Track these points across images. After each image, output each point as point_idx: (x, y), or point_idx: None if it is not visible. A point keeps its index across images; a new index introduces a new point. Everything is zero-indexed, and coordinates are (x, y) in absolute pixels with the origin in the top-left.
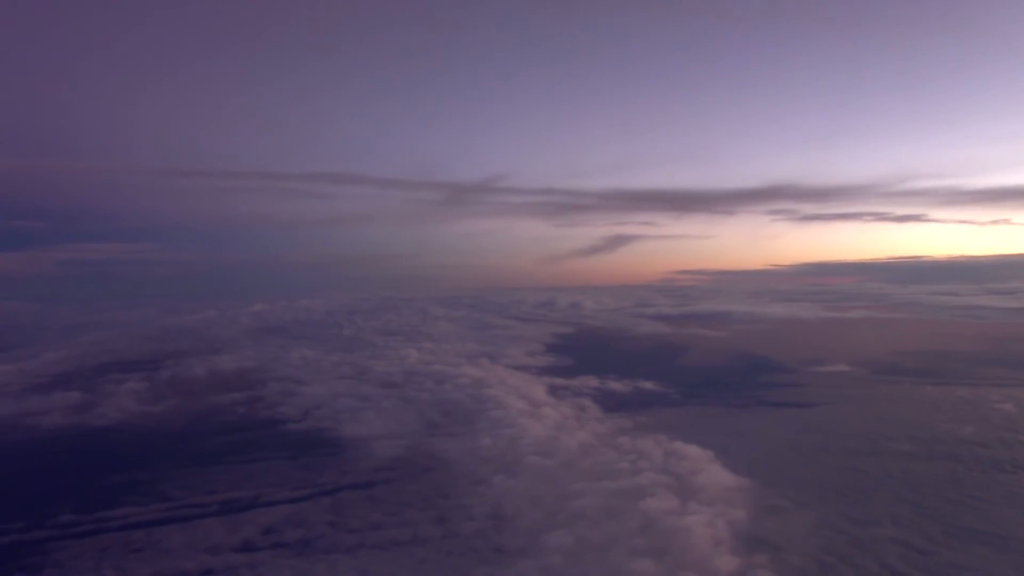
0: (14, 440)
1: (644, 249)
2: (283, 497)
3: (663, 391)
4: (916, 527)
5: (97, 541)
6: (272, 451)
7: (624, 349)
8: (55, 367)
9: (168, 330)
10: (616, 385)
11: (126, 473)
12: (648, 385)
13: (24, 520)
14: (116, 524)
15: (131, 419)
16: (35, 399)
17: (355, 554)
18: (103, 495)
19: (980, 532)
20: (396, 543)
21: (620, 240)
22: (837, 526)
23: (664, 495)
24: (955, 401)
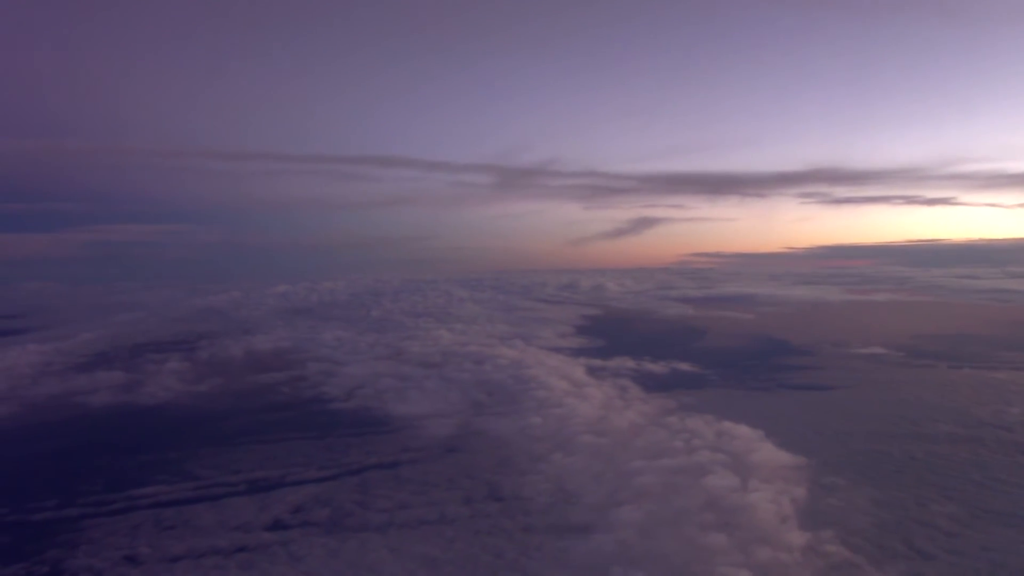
0: (66, 418)
1: (668, 232)
2: (344, 472)
3: (700, 372)
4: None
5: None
6: (323, 430)
7: (654, 331)
8: (91, 347)
9: (195, 311)
10: (652, 366)
11: (182, 450)
12: (684, 366)
13: (89, 495)
14: (179, 498)
15: (177, 398)
16: (80, 378)
17: (418, 529)
18: (168, 471)
19: (1006, 514)
20: (457, 519)
21: (645, 222)
22: (896, 504)
23: (723, 473)
24: (995, 384)
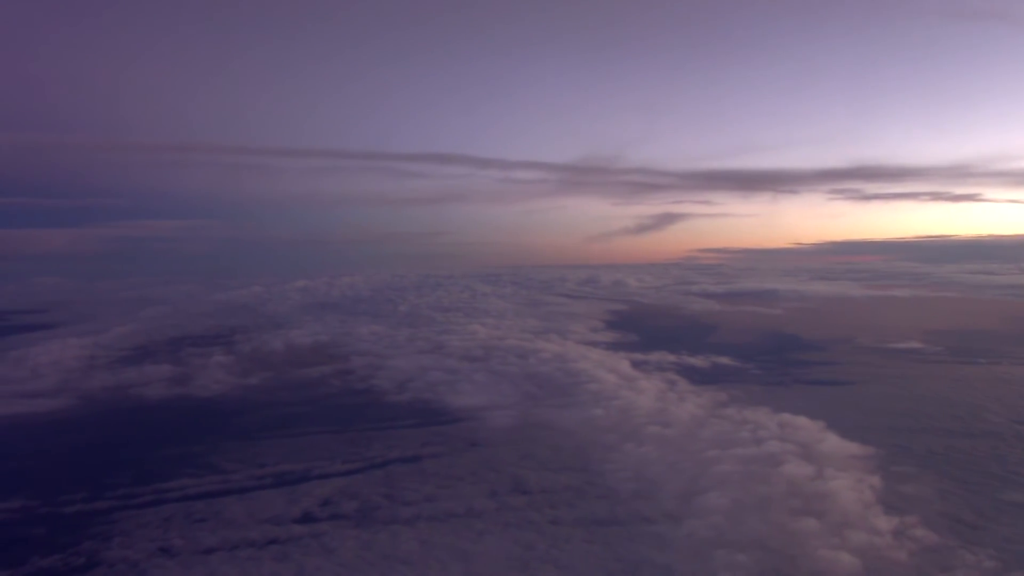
0: (126, 408)
1: (685, 228)
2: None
3: (741, 366)
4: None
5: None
6: (385, 421)
7: (685, 326)
8: (128, 341)
9: (221, 305)
10: (693, 360)
11: (252, 440)
12: (724, 360)
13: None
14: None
15: (231, 391)
16: (129, 371)
17: (497, 517)
18: (241, 459)
19: None
20: (550, 505)
21: (669, 218)
22: (969, 492)
23: (797, 462)
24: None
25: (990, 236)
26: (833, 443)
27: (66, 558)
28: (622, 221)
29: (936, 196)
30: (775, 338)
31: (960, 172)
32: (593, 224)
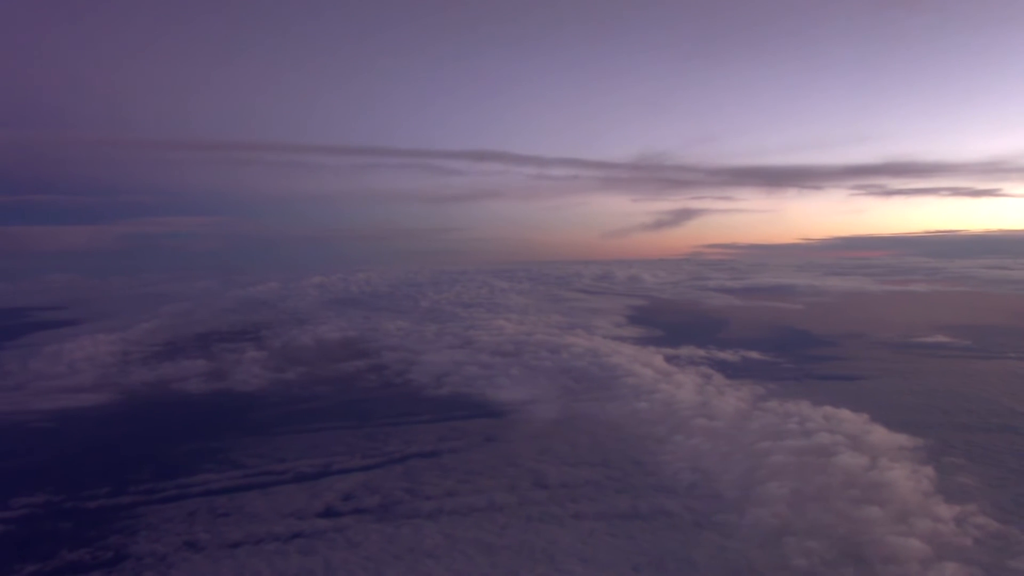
0: (170, 403)
1: (700, 224)
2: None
3: (772, 361)
4: None
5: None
6: (432, 414)
7: (708, 321)
8: (156, 337)
9: (240, 301)
10: (723, 355)
11: (319, 431)
12: (754, 355)
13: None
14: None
15: (271, 385)
16: (166, 367)
17: (562, 509)
18: (304, 450)
19: None
20: (608, 496)
21: (685, 214)
22: (1019, 483)
23: (850, 453)
24: None
25: (999, 231)
26: (881, 435)
27: (94, 552)
28: (640, 217)
29: (956, 192)
30: (800, 333)
31: (991, 168)
32: (612, 220)
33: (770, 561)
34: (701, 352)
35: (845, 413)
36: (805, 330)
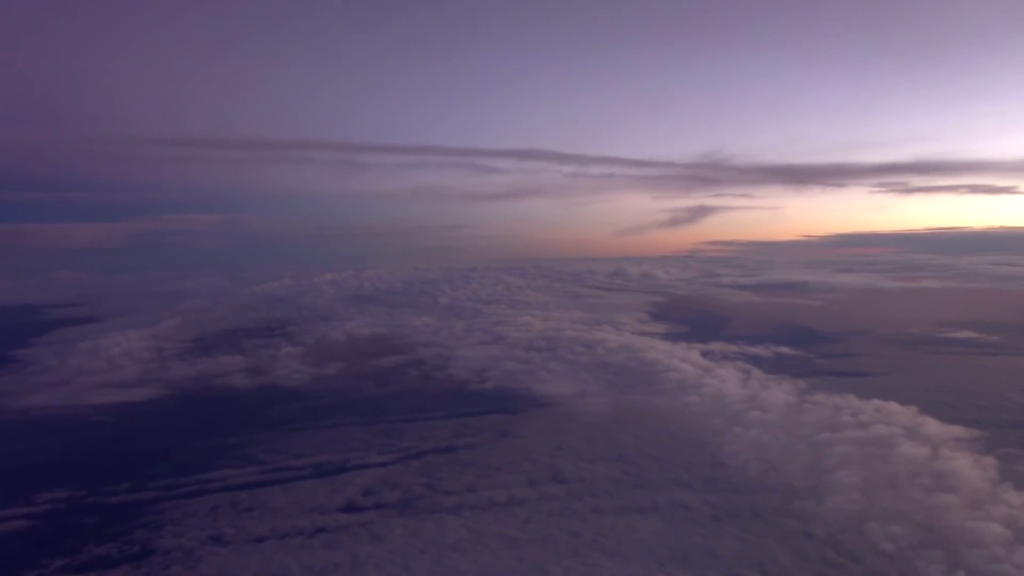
0: (220, 398)
1: (710, 222)
2: (533, 446)
3: (805, 356)
4: None
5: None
6: (481, 408)
7: (730, 317)
8: (185, 333)
9: (258, 298)
10: (754, 350)
11: (371, 427)
12: (785, 350)
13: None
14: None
15: (314, 380)
16: (205, 362)
17: (654, 497)
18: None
19: None
20: (681, 487)
21: (702, 211)
22: None
23: (910, 443)
24: None
25: (1001, 228)
26: (935, 427)
27: (120, 546)
28: (658, 215)
29: (974, 189)
30: (824, 329)
31: (1015, 166)
32: (629, 217)
33: (857, 545)
34: (733, 348)
35: (894, 406)
36: (829, 326)
